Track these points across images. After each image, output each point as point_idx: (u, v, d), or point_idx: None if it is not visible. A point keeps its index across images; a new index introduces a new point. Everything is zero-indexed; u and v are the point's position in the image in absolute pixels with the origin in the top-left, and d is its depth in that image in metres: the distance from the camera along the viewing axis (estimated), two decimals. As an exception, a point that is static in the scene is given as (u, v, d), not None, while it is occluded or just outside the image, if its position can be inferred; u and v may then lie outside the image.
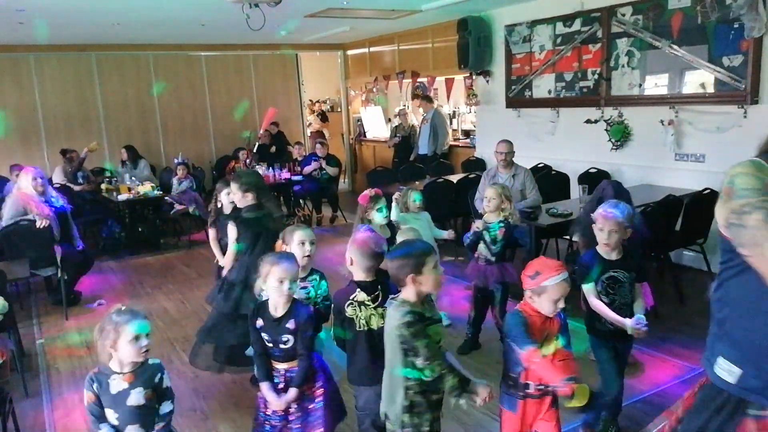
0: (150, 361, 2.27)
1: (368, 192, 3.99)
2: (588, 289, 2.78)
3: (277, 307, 2.47)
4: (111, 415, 2.19)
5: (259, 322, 2.48)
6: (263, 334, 2.48)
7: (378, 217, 3.89)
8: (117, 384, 2.19)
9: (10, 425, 3.12)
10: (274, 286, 2.41)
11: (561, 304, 2.25)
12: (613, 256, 2.80)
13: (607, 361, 2.85)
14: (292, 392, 2.46)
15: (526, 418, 2.35)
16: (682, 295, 4.75)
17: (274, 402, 2.46)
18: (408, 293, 2.18)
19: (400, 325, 2.10)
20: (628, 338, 2.78)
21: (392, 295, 2.28)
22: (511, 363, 2.33)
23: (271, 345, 2.48)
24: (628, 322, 2.65)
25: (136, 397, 2.18)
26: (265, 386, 2.49)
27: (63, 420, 3.53)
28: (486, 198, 3.94)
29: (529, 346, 2.19)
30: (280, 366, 2.51)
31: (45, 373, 4.17)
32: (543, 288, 2.22)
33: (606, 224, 2.75)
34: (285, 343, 2.46)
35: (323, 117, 12.26)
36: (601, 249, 2.81)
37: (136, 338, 2.16)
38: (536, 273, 2.24)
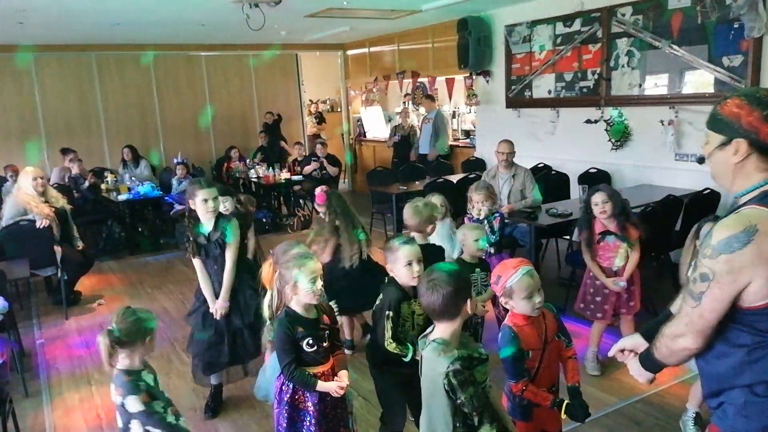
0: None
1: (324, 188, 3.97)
2: None
3: (308, 309, 2.41)
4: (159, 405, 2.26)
5: (300, 330, 2.35)
6: (309, 339, 2.35)
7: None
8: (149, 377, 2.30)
9: (10, 425, 3.12)
10: (306, 287, 2.32)
11: (537, 298, 2.19)
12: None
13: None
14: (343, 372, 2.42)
15: (540, 422, 2.34)
16: (682, 295, 4.74)
17: (336, 384, 2.35)
18: (443, 331, 2.00)
19: (447, 374, 1.92)
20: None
21: (423, 334, 2.11)
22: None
23: (314, 348, 2.36)
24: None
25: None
26: (322, 384, 2.35)
27: (63, 420, 3.53)
28: (476, 202, 3.99)
29: (516, 380, 2.20)
30: (319, 369, 2.39)
31: (45, 373, 4.17)
32: (509, 289, 2.19)
33: None
34: (325, 339, 2.41)
35: (320, 119, 12.23)
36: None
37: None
38: (498, 277, 2.24)
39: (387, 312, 2.51)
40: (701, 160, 1.68)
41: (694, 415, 3.05)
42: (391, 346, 2.50)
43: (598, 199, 3.56)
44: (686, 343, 1.55)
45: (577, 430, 3.06)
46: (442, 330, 2.00)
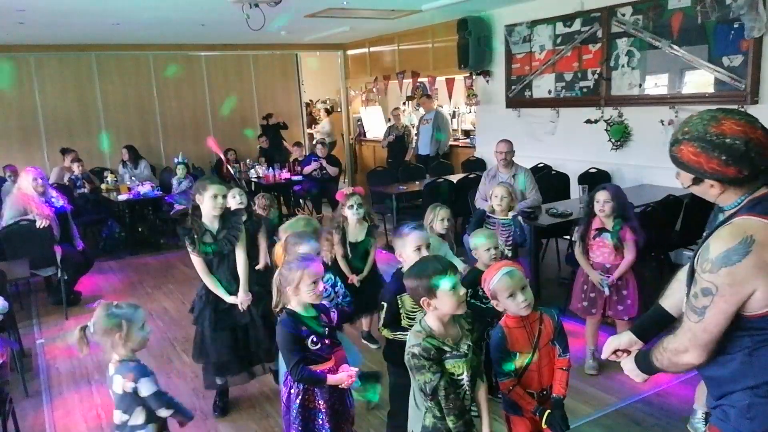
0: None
1: (345, 190, 4.00)
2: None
3: (307, 307, 2.42)
4: None
5: (304, 328, 2.36)
6: (313, 337, 2.36)
7: (350, 214, 3.92)
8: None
9: (10, 425, 3.12)
10: (308, 289, 2.34)
11: (520, 298, 2.22)
12: None
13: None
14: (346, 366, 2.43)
15: (535, 422, 2.34)
16: (682, 295, 4.74)
17: (346, 374, 2.36)
18: (429, 317, 2.09)
19: (408, 353, 2.03)
20: None
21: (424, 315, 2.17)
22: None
23: (318, 346, 2.38)
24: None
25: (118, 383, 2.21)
26: (331, 378, 2.36)
27: (63, 420, 3.53)
28: (497, 197, 4.01)
29: (503, 378, 2.25)
30: (324, 366, 2.40)
31: (45, 373, 4.17)
32: (493, 291, 2.26)
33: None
34: (326, 336, 2.43)
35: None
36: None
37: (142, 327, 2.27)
38: (484, 281, 2.33)
39: (382, 303, 2.64)
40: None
41: (704, 415, 3.01)
42: (383, 331, 2.65)
43: (601, 197, 3.58)
44: (689, 359, 1.55)
45: (578, 430, 3.06)
46: (428, 317, 2.10)
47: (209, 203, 3.23)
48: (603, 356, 1.89)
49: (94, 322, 2.20)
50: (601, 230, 3.62)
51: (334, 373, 2.38)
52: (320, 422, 2.40)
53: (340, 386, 2.38)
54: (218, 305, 3.33)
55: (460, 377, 2.08)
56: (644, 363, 1.71)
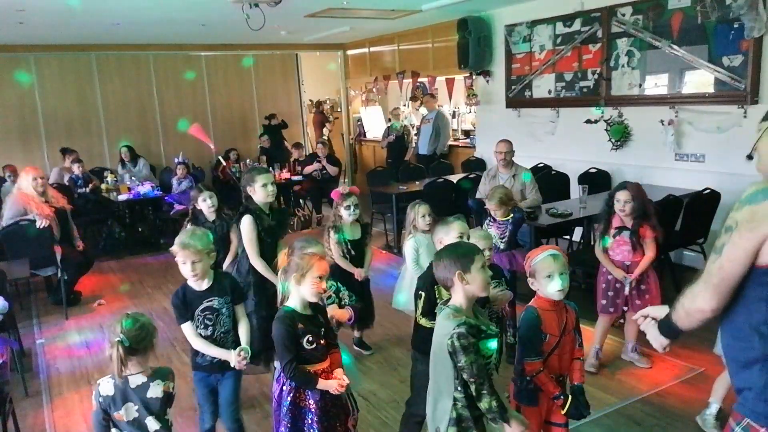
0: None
1: (341, 189, 3.99)
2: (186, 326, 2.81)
3: (305, 307, 2.41)
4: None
5: (300, 327, 2.35)
6: (309, 336, 2.35)
7: (346, 215, 3.90)
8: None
9: (10, 425, 3.12)
10: (314, 280, 2.34)
11: (557, 282, 2.27)
12: (204, 285, 2.80)
13: (203, 396, 2.86)
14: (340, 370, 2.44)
15: (546, 411, 2.39)
16: (682, 295, 4.73)
17: (337, 383, 2.36)
18: (457, 297, 2.12)
19: (452, 335, 2.02)
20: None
21: (443, 301, 2.21)
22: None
23: (314, 346, 2.37)
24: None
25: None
26: (322, 382, 2.35)
27: (63, 420, 3.53)
28: (492, 211, 4.11)
29: (534, 359, 2.29)
30: (318, 367, 2.40)
31: (45, 373, 4.17)
32: (534, 269, 2.33)
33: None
34: (322, 336, 2.42)
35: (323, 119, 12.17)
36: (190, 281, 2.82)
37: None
38: (527, 258, 2.41)
39: (419, 292, 2.67)
40: (750, 157, 1.73)
41: (717, 411, 3.03)
42: (421, 320, 2.65)
43: (621, 197, 3.60)
44: (702, 303, 1.56)
45: (577, 430, 3.06)
46: (456, 298, 2.13)
47: (261, 192, 3.46)
48: (633, 317, 1.96)
49: (135, 337, 2.13)
50: (621, 228, 3.64)
51: (329, 375, 2.37)
52: (309, 422, 2.38)
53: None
54: (266, 291, 3.43)
55: (488, 361, 2.11)
56: (666, 324, 1.76)
